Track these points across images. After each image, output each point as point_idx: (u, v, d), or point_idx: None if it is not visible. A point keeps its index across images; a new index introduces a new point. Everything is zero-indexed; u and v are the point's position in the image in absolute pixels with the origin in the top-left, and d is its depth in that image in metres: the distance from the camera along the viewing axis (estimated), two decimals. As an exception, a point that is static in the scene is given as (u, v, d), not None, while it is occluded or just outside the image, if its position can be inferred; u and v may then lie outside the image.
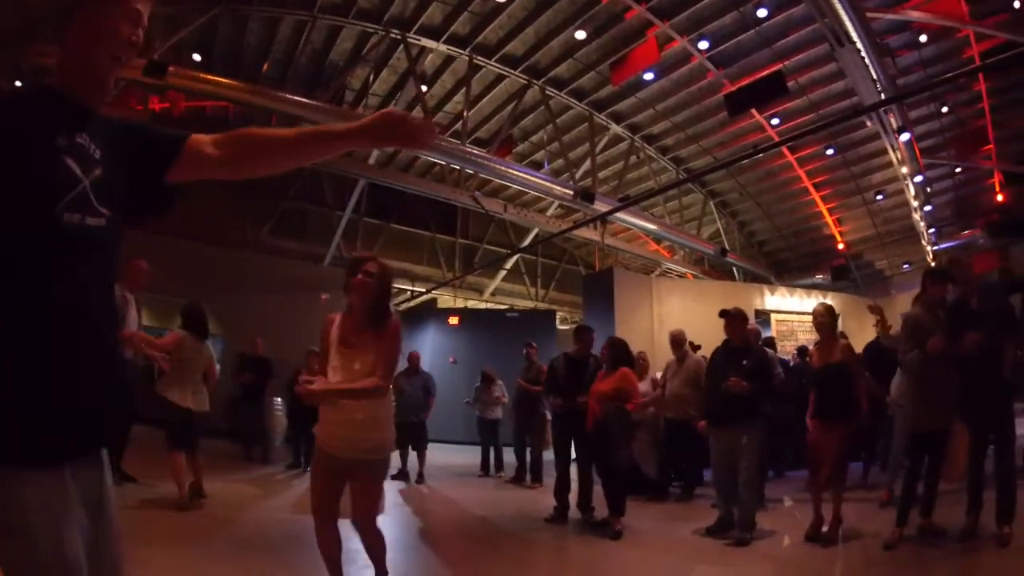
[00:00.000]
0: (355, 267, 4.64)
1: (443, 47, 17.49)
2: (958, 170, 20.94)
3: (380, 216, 24.15)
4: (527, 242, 25.51)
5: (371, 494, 4.70)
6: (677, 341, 10.98)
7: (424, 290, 23.88)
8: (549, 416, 11.17)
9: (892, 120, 16.89)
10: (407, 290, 24.19)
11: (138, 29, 2.13)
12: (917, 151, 18.40)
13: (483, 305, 27.00)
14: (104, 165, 2.08)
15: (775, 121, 19.79)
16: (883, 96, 14.51)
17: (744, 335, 8.35)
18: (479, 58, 17.93)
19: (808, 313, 10.31)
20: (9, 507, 1.75)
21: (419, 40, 17.22)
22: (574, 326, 13.07)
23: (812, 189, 23.22)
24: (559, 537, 8.36)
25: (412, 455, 12.65)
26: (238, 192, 19.00)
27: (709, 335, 10.04)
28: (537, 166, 21.99)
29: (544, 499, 9.77)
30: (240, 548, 6.98)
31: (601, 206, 19.26)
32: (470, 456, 14.48)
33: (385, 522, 4.73)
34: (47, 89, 2.11)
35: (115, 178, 2.11)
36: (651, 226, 22.04)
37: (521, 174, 18.65)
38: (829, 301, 10.51)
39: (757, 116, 19.43)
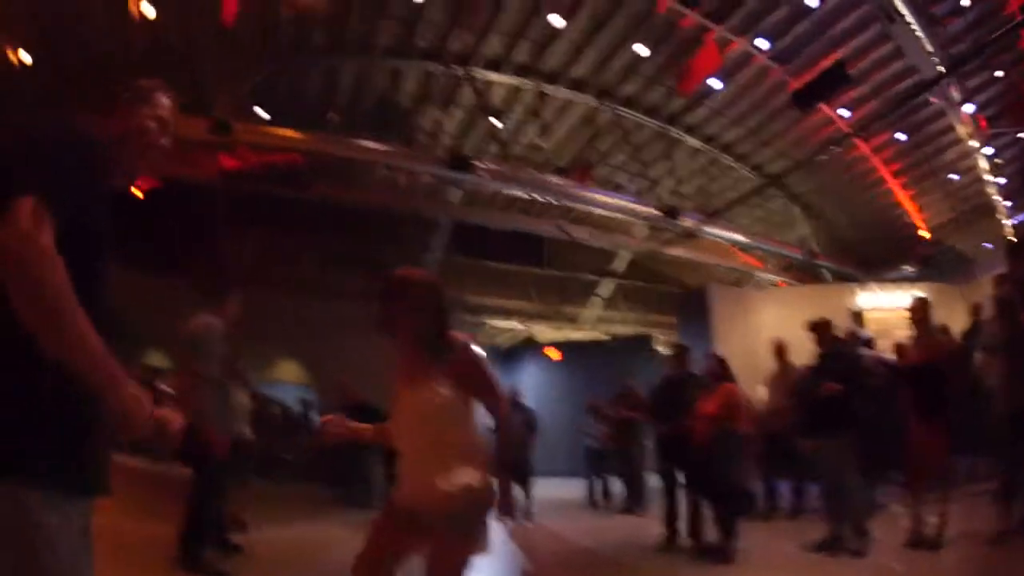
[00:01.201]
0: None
1: (507, 78, 17.74)
2: (1021, 135, 20.41)
3: (466, 254, 24.08)
4: (616, 266, 25.55)
5: (448, 561, 3.63)
6: (778, 350, 10.99)
7: (520, 326, 23.98)
8: (651, 443, 11.08)
9: (954, 93, 16.76)
10: (504, 329, 24.37)
11: (164, 135, 2.58)
12: (982, 123, 18.18)
13: (580, 335, 26.82)
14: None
15: (844, 112, 19.48)
16: (941, 69, 14.45)
17: (831, 341, 8.26)
18: (545, 85, 18.22)
19: (900, 308, 10.19)
20: (39, 530, 1.97)
21: (483, 74, 17.56)
22: (671, 348, 13.15)
23: (889, 177, 22.69)
24: (669, 565, 8.29)
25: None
26: (320, 239, 19.59)
27: (804, 343, 10.10)
28: (618, 189, 21.97)
29: (653, 527, 9.61)
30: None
31: (687, 222, 19.32)
32: (575, 488, 14.48)
33: (489, 562, 4.38)
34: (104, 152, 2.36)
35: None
36: (738, 237, 21.85)
37: (603, 198, 18.81)
38: (920, 293, 10.49)
39: (826, 110, 19.15)
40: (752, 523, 9.47)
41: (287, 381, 21.50)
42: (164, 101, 2.61)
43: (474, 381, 3.78)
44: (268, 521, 9.53)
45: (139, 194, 16.38)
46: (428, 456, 3.71)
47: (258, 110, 16.93)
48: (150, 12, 14.45)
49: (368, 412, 13.80)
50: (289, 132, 15.47)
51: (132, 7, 14.50)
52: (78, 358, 1.93)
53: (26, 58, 15.18)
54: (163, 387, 10.27)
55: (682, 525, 8.91)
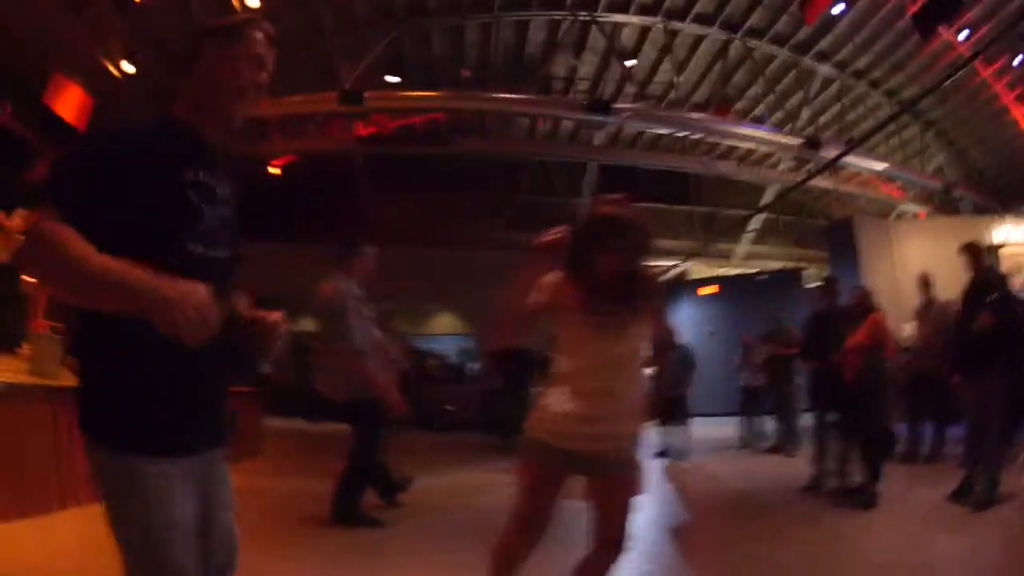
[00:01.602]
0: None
1: (635, 19, 17.69)
2: None
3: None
4: (764, 200, 25.16)
5: (628, 503, 3.65)
6: (924, 283, 10.62)
7: (672, 264, 23.92)
8: (802, 379, 11.14)
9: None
10: (660, 265, 24.32)
11: (262, 72, 2.37)
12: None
13: (731, 271, 26.23)
14: (223, 201, 2.33)
15: (964, 35, 18.64)
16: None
17: (984, 267, 7.95)
18: (673, 23, 18.16)
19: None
20: (134, 481, 2.11)
21: (609, 17, 17.52)
22: (820, 281, 12.99)
23: (1012, 104, 21.47)
24: (812, 508, 8.22)
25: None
26: (467, 193, 19.96)
27: (945, 277, 9.84)
28: (758, 121, 21.62)
29: (803, 467, 9.49)
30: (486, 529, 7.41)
31: (828, 152, 18.84)
32: (730, 428, 14.52)
33: (645, 500, 4.17)
34: (174, 122, 2.30)
35: (231, 213, 2.38)
36: (878, 166, 21.35)
37: (745, 131, 18.66)
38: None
39: (946, 34, 18.44)
40: (893, 466, 9.24)
41: (445, 333, 22.16)
42: (257, 35, 2.41)
43: (656, 321, 3.74)
44: (427, 470, 9.79)
45: (277, 171, 17.05)
46: (618, 399, 3.61)
47: (388, 77, 17.28)
48: (253, 3, 15.02)
49: (524, 357, 14.20)
50: (422, 93, 15.73)
51: (236, 6, 15.10)
52: (111, 293, 1.93)
53: (128, 68, 15.95)
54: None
55: (831, 465, 8.79)
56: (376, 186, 18.41)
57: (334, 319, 6.95)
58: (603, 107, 16.43)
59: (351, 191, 18.20)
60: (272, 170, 17.13)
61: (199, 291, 1.93)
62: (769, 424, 13.57)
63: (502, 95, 16.36)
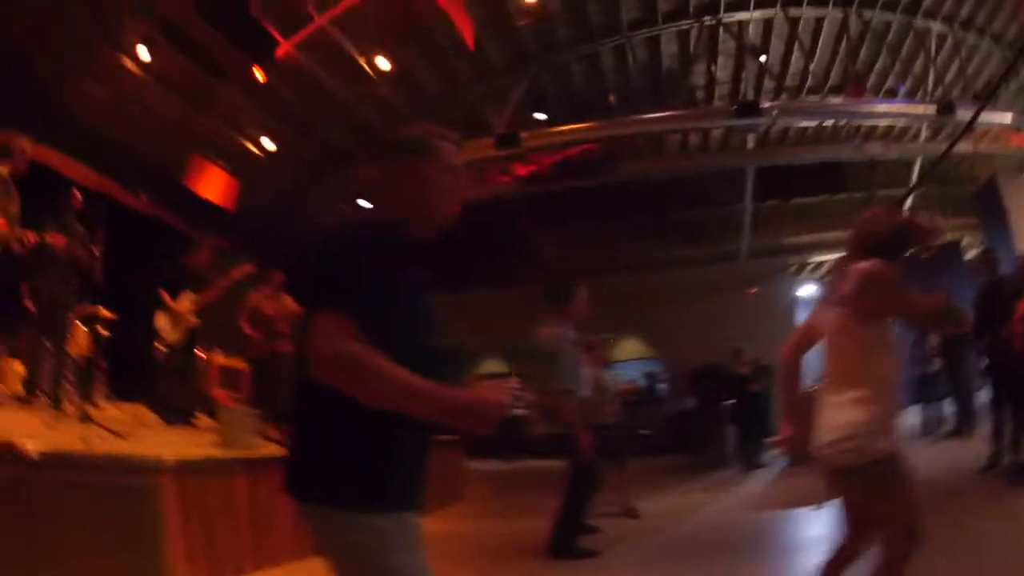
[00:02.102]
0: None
1: (756, 13, 17.54)
2: None
3: (774, 197, 23.50)
4: (913, 175, 24.78)
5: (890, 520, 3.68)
6: None
7: (839, 255, 23.46)
8: (976, 358, 11.02)
9: None
10: (826, 262, 24.16)
11: (458, 179, 2.66)
12: None
13: None
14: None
15: None
16: None
17: None
18: (792, 10, 17.99)
19: None
20: (374, 536, 2.32)
21: (732, 16, 17.37)
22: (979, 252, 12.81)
23: None
24: (988, 489, 8.17)
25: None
26: (631, 217, 20.08)
27: None
28: (891, 95, 21.10)
29: (982, 448, 9.29)
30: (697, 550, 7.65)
31: (961, 113, 18.43)
32: (910, 416, 14.01)
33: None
34: (388, 226, 2.51)
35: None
36: (1005, 118, 20.35)
37: (882, 107, 18.49)
38: None
39: None
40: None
41: (631, 359, 22.30)
42: (448, 146, 2.70)
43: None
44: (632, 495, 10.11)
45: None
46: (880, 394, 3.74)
47: (537, 115, 17.31)
48: (384, 65, 15.19)
49: (715, 374, 14.50)
50: (575, 126, 15.86)
51: (367, 68, 15.24)
52: (426, 412, 2.27)
53: (270, 146, 16.40)
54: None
55: (1007, 441, 8.63)
56: (543, 223, 18.55)
57: (548, 361, 7.39)
58: (752, 109, 16.44)
59: (520, 232, 18.38)
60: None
61: (494, 395, 2.33)
62: (948, 408, 13.45)
63: (652, 115, 16.35)
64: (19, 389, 8.87)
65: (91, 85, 13.62)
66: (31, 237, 7.93)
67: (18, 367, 9.26)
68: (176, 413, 10.13)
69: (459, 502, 11.74)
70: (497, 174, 17.13)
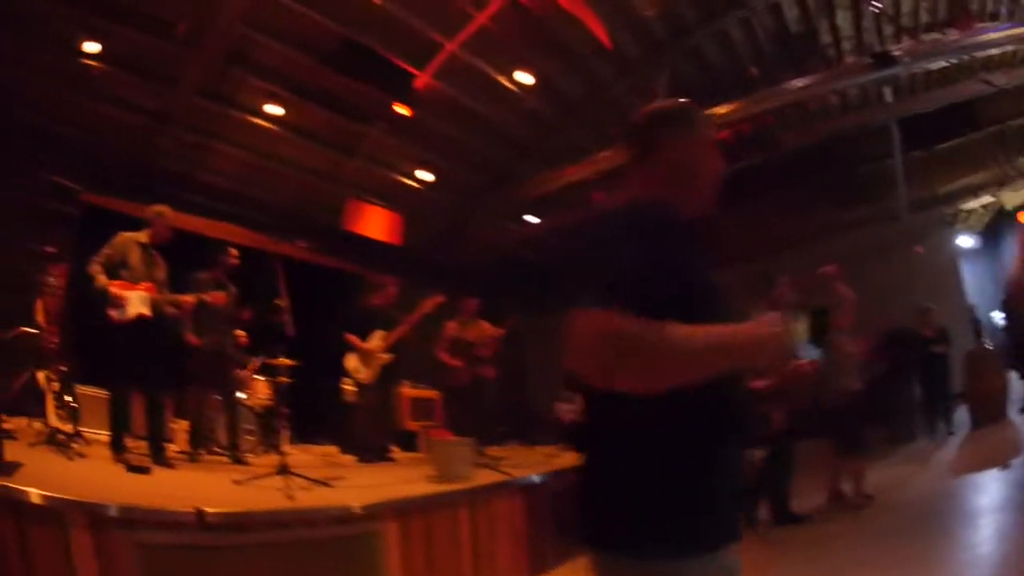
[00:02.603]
0: None
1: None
2: None
3: (917, 148, 22.02)
4: None
5: None
6: None
7: (989, 198, 22.28)
8: None
9: None
10: (977, 208, 22.78)
11: (720, 157, 2.44)
12: None
13: None
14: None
15: None
16: None
17: None
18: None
19: None
20: None
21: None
22: None
23: None
24: None
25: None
26: (792, 190, 19.39)
27: None
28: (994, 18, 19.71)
29: None
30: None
31: None
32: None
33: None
34: (658, 206, 2.25)
35: None
36: None
37: (995, 35, 17.24)
38: None
39: None
40: None
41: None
42: (705, 118, 2.52)
43: None
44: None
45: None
46: None
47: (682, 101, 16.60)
48: (527, 79, 14.96)
49: (909, 338, 13.52)
50: (724, 108, 15.12)
51: (508, 85, 14.95)
52: (722, 359, 1.95)
53: (427, 177, 16.59)
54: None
55: None
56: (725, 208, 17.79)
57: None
58: (887, 59, 15.36)
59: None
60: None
61: (772, 319, 2.08)
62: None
63: (797, 83, 15.44)
64: (188, 448, 9.00)
65: (225, 148, 13.99)
66: (188, 299, 8.22)
67: (186, 425, 9.39)
68: (372, 451, 10.21)
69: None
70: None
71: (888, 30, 16.56)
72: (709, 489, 2.09)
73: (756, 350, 2.02)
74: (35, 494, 4.47)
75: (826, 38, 17.43)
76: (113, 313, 7.50)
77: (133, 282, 7.67)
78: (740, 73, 16.30)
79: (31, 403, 7.96)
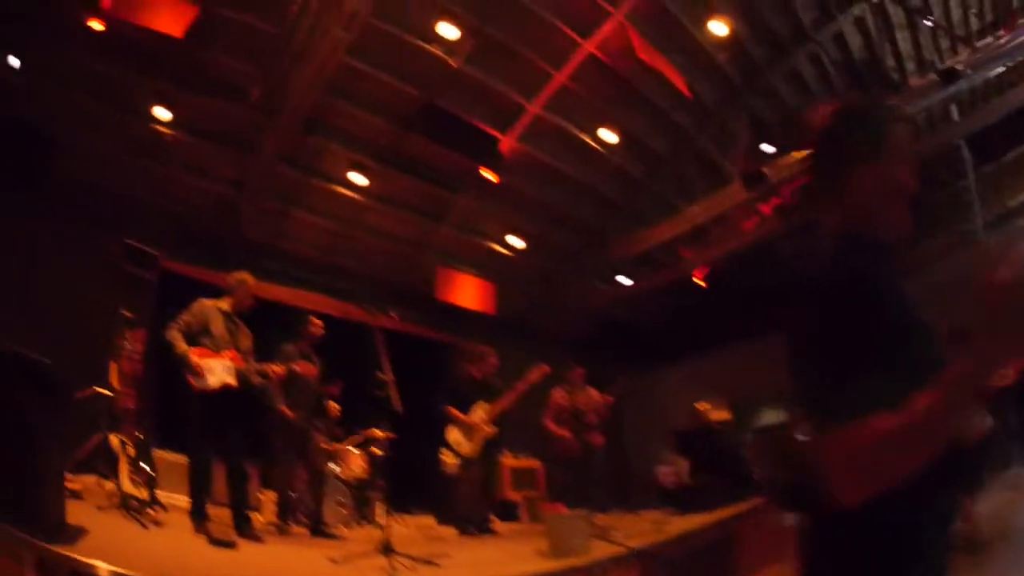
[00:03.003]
0: None
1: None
2: None
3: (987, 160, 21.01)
4: None
5: None
6: None
7: None
8: None
9: None
10: None
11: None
12: None
13: None
14: None
15: None
16: None
17: None
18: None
19: None
20: None
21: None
22: None
23: None
24: None
25: None
26: None
27: None
28: None
29: None
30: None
31: None
32: None
33: None
34: (866, 239, 1.97)
35: None
36: None
37: None
38: None
39: None
40: None
41: None
42: (902, 128, 2.10)
43: None
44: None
45: (700, 282, 16.14)
46: None
47: (764, 146, 16.10)
48: (611, 137, 14.50)
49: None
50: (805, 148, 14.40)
51: (592, 143, 14.50)
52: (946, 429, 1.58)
53: (518, 243, 16.01)
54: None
55: None
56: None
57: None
58: (953, 74, 14.51)
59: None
60: (697, 282, 16.20)
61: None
62: None
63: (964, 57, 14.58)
64: (276, 519, 8.65)
65: (307, 216, 13.82)
66: (277, 369, 7.92)
67: (274, 496, 9.07)
68: (473, 523, 9.75)
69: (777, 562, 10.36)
70: (745, 221, 15.77)
71: (944, 43, 15.64)
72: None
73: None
74: (104, 569, 3.89)
75: (889, 61, 16.68)
76: (194, 381, 7.15)
77: (216, 350, 7.36)
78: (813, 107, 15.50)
79: (103, 466, 7.63)
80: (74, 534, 4.65)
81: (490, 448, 10.02)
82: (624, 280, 16.54)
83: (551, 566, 6.72)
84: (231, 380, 7.26)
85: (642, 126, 14.65)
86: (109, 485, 7.25)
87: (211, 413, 7.16)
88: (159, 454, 8.71)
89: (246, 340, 7.69)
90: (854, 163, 2.03)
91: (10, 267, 9.74)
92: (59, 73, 10.58)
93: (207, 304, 7.61)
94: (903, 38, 16.30)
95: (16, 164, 9.88)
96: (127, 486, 7.00)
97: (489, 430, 9.85)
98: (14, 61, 9.97)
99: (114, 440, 7.50)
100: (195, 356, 7.16)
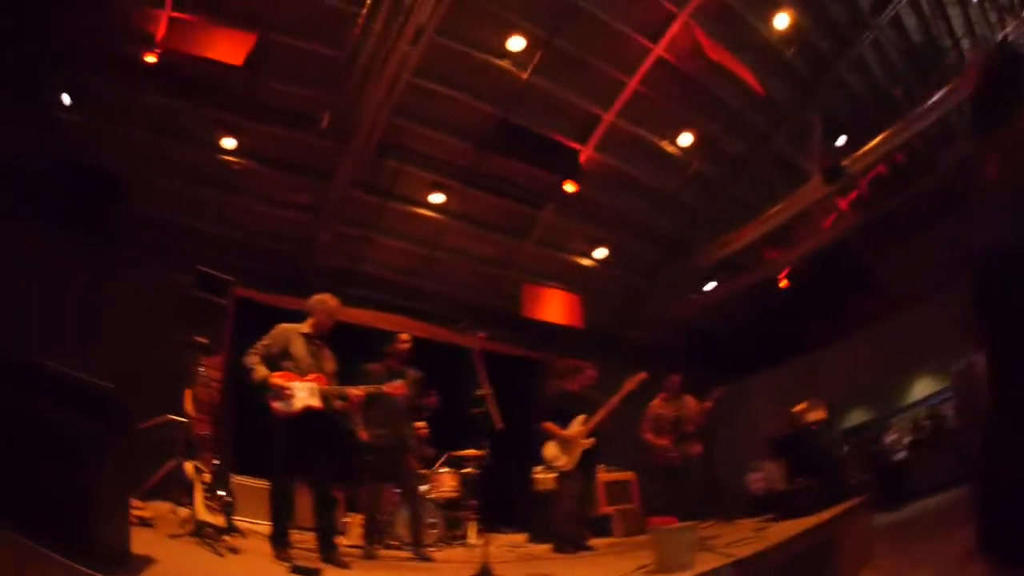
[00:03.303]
0: None
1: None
2: None
3: None
4: None
5: None
6: None
7: None
8: None
9: None
10: None
11: None
12: None
13: None
14: None
15: None
16: None
17: None
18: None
19: None
20: None
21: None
22: None
23: None
24: None
25: None
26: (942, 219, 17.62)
27: None
28: None
29: None
30: None
31: None
32: None
33: None
34: None
35: None
36: None
37: None
38: None
39: None
40: None
41: None
42: None
43: None
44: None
45: (783, 284, 15.55)
46: None
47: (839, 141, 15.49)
48: (688, 141, 14.19)
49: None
50: (883, 135, 13.68)
51: (670, 148, 14.18)
52: None
53: (601, 254, 15.61)
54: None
55: None
56: (878, 249, 16.28)
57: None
58: (1010, 49, 13.61)
59: (863, 269, 16.19)
60: (781, 285, 15.61)
61: None
62: None
63: (936, 97, 13.85)
64: (363, 542, 8.32)
65: (387, 240, 13.75)
66: (356, 392, 7.41)
67: (360, 519, 8.86)
68: (570, 539, 9.24)
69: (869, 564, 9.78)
70: (824, 218, 15.09)
71: (992, 16, 14.83)
72: None
73: None
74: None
75: (946, 41, 15.88)
76: (276, 405, 6.85)
77: (299, 374, 7.06)
78: (885, 100, 14.81)
79: (177, 493, 7.50)
80: (140, 564, 4.44)
81: (587, 460, 9.55)
82: (710, 287, 16.03)
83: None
84: (315, 402, 6.95)
85: (718, 129, 14.24)
86: (183, 512, 7.07)
87: (295, 437, 6.85)
88: (238, 480, 8.56)
89: (330, 363, 7.37)
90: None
91: (86, 300, 9.88)
92: (122, 111, 10.70)
93: (287, 328, 7.33)
94: (955, 14, 15.57)
95: (87, 205, 10.00)
96: (202, 513, 6.78)
97: (587, 443, 9.43)
98: (66, 98, 10.18)
99: (189, 467, 7.31)
100: (277, 379, 6.89)
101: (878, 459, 13.25)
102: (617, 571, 6.76)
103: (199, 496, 6.89)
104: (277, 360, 7.04)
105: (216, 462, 7.58)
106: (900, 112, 13.52)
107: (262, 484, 7.77)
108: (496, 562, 6.49)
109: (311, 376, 7.03)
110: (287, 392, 6.84)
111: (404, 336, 8.96)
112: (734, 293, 15.78)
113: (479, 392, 7.38)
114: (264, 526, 7.07)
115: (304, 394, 6.90)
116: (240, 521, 7.69)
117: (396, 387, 7.68)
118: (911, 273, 14.10)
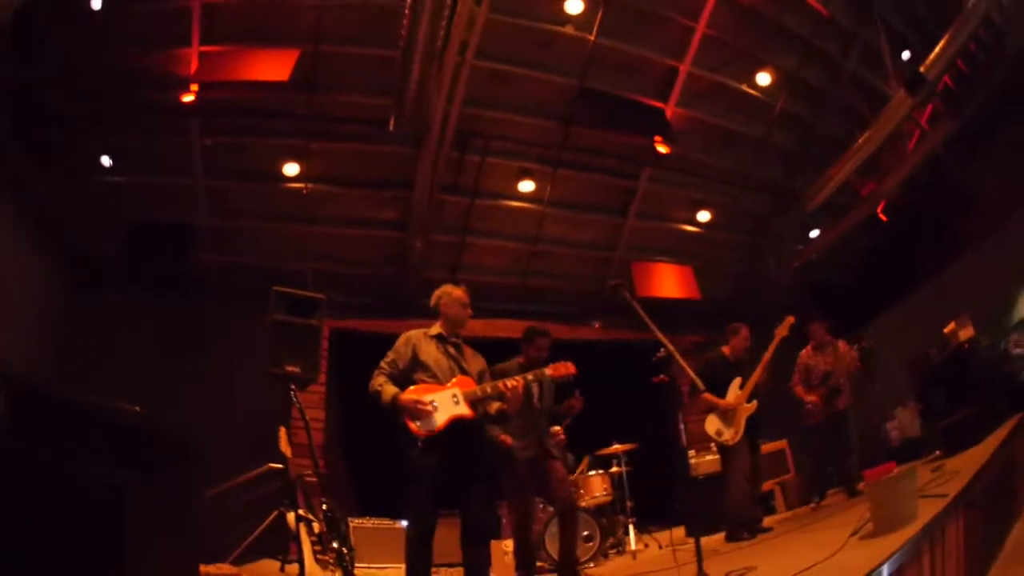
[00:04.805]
0: None
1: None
2: None
3: None
4: None
5: None
6: None
7: None
8: None
9: None
10: None
11: None
12: None
13: None
14: None
15: None
16: None
17: None
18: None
19: None
20: None
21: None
22: None
23: None
24: None
25: None
26: None
27: None
28: None
29: None
30: None
31: None
32: None
33: None
34: None
35: None
36: None
37: None
38: None
39: None
40: None
41: None
42: None
43: None
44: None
45: (882, 217, 13.61)
46: None
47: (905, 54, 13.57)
48: (765, 79, 12.62)
49: None
50: (947, 36, 11.70)
51: (752, 91, 12.67)
52: None
53: (704, 217, 13.97)
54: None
55: None
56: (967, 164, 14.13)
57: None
58: None
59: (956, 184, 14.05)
60: (880, 217, 13.64)
61: None
62: None
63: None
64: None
65: (483, 241, 12.48)
66: (512, 383, 5.42)
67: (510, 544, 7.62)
68: (744, 524, 7.59)
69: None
70: (907, 141, 13.10)
71: None
72: None
73: None
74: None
75: None
76: (414, 426, 5.07)
77: (437, 383, 5.34)
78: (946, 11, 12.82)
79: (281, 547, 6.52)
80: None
81: (752, 429, 8.07)
82: (814, 235, 14.36)
83: (896, 543, 4.35)
84: (462, 411, 5.23)
85: (791, 62, 12.62)
86: (292, 569, 5.98)
87: (441, 457, 5.12)
88: (357, 523, 7.50)
89: (475, 362, 5.70)
90: None
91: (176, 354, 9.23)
92: (173, 161, 10.11)
93: (413, 334, 5.65)
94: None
95: (162, 261, 9.47)
96: (313, 569, 5.45)
97: (749, 407, 7.99)
98: (106, 160, 9.67)
99: (291, 517, 6.01)
100: (409, 395, 5.18)
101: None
102: (826, 544, 5.07)
103: (307, 549, 5.57)
104: (409, 374, 5.37)
105: (326, 507, 6.32)
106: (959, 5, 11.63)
107: (389, 524, 6.72)
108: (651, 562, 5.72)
109: (452, 382, 5.34)
110: (424, 407, 5.11)
111: (542, 340, 7.05)
112: (838, 238, 13.88)
113: (659, 354, 5.76)
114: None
115: (447, 403, 5.20)
116: (364, 569, 6.41)
117: (560, 367, 5.72)
118: (1004, 181, 12.12)
